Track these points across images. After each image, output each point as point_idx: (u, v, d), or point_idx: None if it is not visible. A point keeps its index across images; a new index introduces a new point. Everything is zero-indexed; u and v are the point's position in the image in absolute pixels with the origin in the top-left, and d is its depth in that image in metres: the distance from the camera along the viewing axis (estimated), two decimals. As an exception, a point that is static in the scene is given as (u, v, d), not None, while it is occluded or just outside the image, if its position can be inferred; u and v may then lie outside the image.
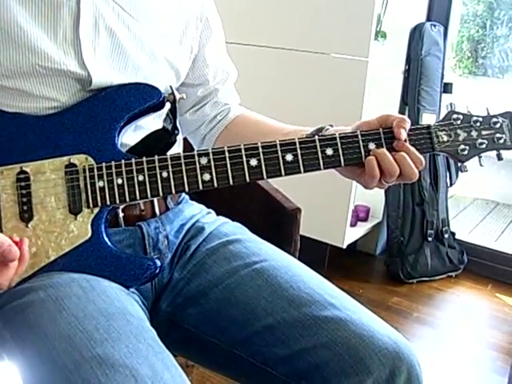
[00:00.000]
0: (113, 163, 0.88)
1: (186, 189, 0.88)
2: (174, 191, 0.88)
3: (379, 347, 0.87)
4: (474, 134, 0.93)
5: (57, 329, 0.77)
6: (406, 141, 0.90)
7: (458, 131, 0.93)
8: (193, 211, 1.11)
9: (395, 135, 0.90)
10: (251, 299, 0.95)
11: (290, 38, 2.43)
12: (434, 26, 2.61)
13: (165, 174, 0.88)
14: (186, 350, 1.04)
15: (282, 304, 0.93)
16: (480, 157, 0.94)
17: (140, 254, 0.98)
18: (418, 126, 0.92)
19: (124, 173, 0.87)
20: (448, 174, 2.68)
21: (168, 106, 0.94)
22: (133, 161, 0.88)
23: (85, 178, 0.87)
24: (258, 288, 0.96)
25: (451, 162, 2.59)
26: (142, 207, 0.99)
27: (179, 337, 1.00)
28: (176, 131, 0.95)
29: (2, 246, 0.77)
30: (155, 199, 1.01)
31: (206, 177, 0.88)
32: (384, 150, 0.89)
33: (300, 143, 0.90)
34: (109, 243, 0.88)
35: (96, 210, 0.88)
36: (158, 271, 0.89)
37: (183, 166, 0.88)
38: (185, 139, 1.19)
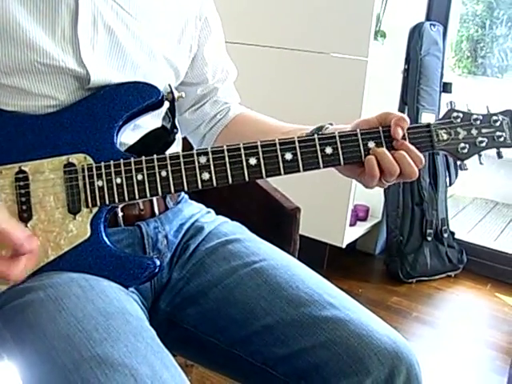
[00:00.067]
0: (111, 162, 0.87)
1: (185, 188, 0.88)
2: (173, 190, 0.88)
3: (378, 347, 0.87)
4: (474, 132, 0.93)
5: (56, 329, 0.77)
6: (405, 139, 0.90)
7: (458, 129, 0.92)
8: (192, 211, 1.11)
9: (391, 133, 0.90)
10: (250, 299, 0.95)
11: (290, 38, 2.43)
12: (434, 25, 2.61)
13: (164, 174, 0.88)
14: (186, 350, 1.04)
15: (281, 304, 0.93)
16: (480, 155, 0.94)
17: (139, 254, 0.97)
18: (418, 125, 0.92)
19: (123, 172, 0.87)
20: (447, 174, 2.68)
21: (167, 104, 0.94)
22: (132, 160, 0.88)
23: (84, 177, 0.87)
24: (257, 288, 0.96)
25: (450, 161, 2.60)
26: (141, 207, 0.98)
27: (178, 336, 1.00)
28: (175, 130, 0.95)
29: (18, 239, 0.77)
30: (154, 199, 1.01)
31: (205, 176, 0.88)
32: (384, 149, 0.89)
33: (299, 142, 0.89)
34: (108, 243, 0.88)
35: (95, 210, 0.88)
36: (157, 270, 0.89)
37: (182, 165, 0.88)
38: (184, 139, 1.18)
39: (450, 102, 0.93)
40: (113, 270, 0.88)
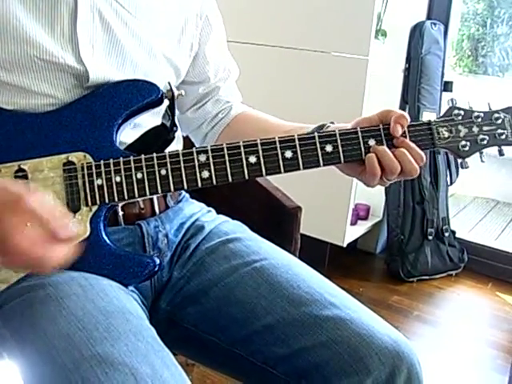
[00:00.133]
0: (111, 161, 0.87)
1: (185, 186, 0.88)
2: (172, 189, 0.88)
3: (379, 346, 0.86)
4: (476, 129, 0.92)
5: (56, 328, 0.77)
6: (405, 137, 0.90)
7: (459, 127, 0.92)
8: (193, 210, 1.11)
9: (391, 131, 0.89)
10: (251, 298, 0.95)
11: (291, 37, 2.43)
12: (435, 24, 2.61)
13: (163, 172, 0.87)
14: (186, 349, 1.04)
15: (281, 303, 0.93)
16: (481, 153, 0.93)
17: (139, 253, 0.97)
18: (419, 122, 0.91)
19: (122, 170, 0.87)
20: (448, 173, 2.68)
21: (166, 102, 0.94)
22: (131, 158, 0.87)
23: (83, 175, 0.87)
24: (257, 287, 0.96)
25: (451, 160, 2.60)
26: (142, 206, 0.98)
27: (179, 335, 1.00)
28: (174, 128, 0.94)
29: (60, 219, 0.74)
30: (155, 197, 1.01)
31: (205, 174, 0.88)
32: (384, 147, 0.89)
33: (299, 140, 0.89)
34: (107, 241, 0.88)
35: (94, 208, 0.87)
36: (156, 269, 0.89)
37: (182, 163, 0.87)
38: (186, 138, 1.18)
39: (452, 100, 0.93)
40: (112, 269, 0.87)
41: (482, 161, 0.93)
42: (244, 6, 2.50)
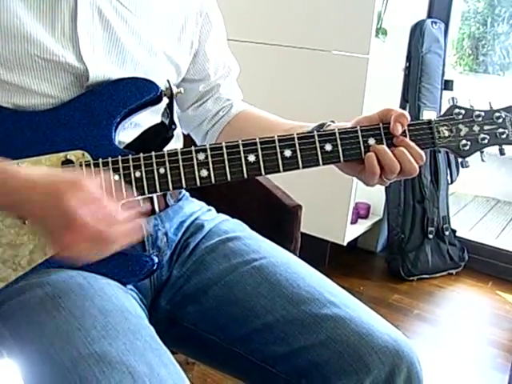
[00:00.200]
0: (109, 159, 0.87)
1: (184, 185, 0.87)
2: (171, 187, 0.87)
3: (379, 345, 0.86)
4: (476, 128, 0.92)
5: (55, 326, 0.77)
6: (405, 136, 0.89)
7: (460, 126, 0.92)
8: (193, 208, 1.11)
9: (391, 130, 0.89)
10: (250, 297, 0.95)
11: (291, 35, 2.43)
12: (435, 23, 2.61)
13: (162, 171, 0.87)
14: (186, 348, 1.04)
15: (281, 302, 0.93)
16: (482, 152, 0.93)
17: (138, 251, 0.97)
18: (419, 121, 0.91)
19: (121, 169, 0.87)
20: (449, 172, 2.68)
21: (166, 100, 0.94)
22: (130, 157, 0.87)
23: (82, 174, 0.87)
24: (257, 285, 0.96)
25: (452, 159, 2.59)
26: (141, 204, 0.98)
27: (178, 334, 1.00)
28: (173, 126, 0.94)
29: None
30: (155, 196, 1.00)
31: (204, 173, 0.87)
32: (384, 146, 0.89)
33: (299, 139, 0.89)
34: (106, 240, 0.87)
35: (94, 207, 0.87)
36: (155, 267, 0.89)
37: (180, 162, 0.87)
38: (187, 136, 1.18)
39: (452, 98, 0.93)
40: (111, 267, 0.87)
41: (482, 160, 0.93)
42: (245, 4, 2.50)
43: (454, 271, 2.73)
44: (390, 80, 2.64)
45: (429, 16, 2.67)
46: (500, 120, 0.92)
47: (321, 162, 0.89)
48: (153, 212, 1.01)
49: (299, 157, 0.89)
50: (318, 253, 2.55)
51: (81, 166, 0.87)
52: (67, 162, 0.87)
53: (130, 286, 0.91)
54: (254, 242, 1.04)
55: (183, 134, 1.15)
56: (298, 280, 0.95)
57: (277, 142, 0.88)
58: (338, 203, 2.46)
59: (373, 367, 0.85)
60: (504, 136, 0.92)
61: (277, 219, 1.26)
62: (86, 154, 0.87)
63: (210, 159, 0.87)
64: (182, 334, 1.00)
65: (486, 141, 0.92)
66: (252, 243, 1.04)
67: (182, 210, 1.07)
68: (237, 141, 0.88)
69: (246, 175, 0.88)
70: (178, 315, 1.00)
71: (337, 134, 0.89)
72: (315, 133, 0.89)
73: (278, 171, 0.89)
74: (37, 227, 0.80)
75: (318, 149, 0.89)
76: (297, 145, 0.89)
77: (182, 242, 1.05)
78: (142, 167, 0.87)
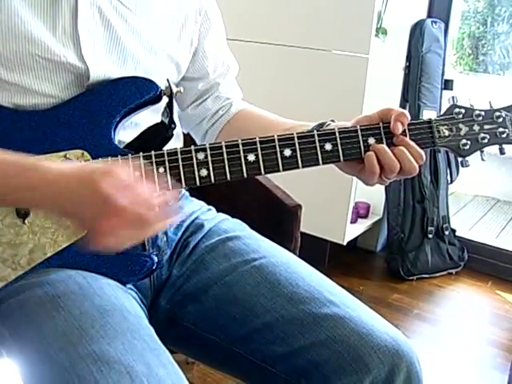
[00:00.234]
0: (109, 159, 0.87)
1: (183, 184, 0.87)
2: (170, 187, 0.87)
3: (378, 345, 0.86)
4: (476, 128, 0.92)
5: (53, 326, 0.77)
6: (405, 135, 0.89)
7: (460, 125, 0.92)
8: (193, 208, 1.11)
9: (391, 129, 0.89)
10: (250, 296, 0.95)
11: (291, 35, 2.42)
12: (435, 22, 2.61)
13: (161, 170, 0.87)
14: (186, 347, 1.04)
15: (281, 301, 0.93)
16: (482, 151, 0.93)
17: (138, 251, 0.97)
18: (419, 121, 0.91)
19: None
20: (448, 171, 2.68)
21: (165, 99, 0.94)
22: (129, 156, 0.87)
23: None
24: (257, 285, 0.96)
25: (452, 159, 2.59)
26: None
27: (178, 334, 1.00)
28: (173, 125, 0.94)
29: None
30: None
31: (203, 172, 0.87)
32: (383, 145, 0.88)
33: (298, 138, 0.89)
34: (106, 239, 0.87)
35: (93, 206, 0.87)
36: (155, 267, 0.89)
37: (180, 161, 0.87)
38: (186, 135, 1.18)
39: (452, 98, 0.93)
40: (110, 267, 0.87)
41: (482, 159, 0.93)
42: (245, 4, 2.50)
43: (453, 271, 2.73)
44: (390, 80, 2.64)
45: (429, 15, 2.67)
46: (500, 119, 0.92)
47: (321, 162, 0.89)
48: None
49: (299, 156, 0.88)
50: (317, 252, 2.55)
51: None
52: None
53: (129, 286, 0.91)
54: (254, 242, 1.04)
55: (183, 133, 1.15)
56: (298, 279, 0.95)
57: (276, 141, 0.88)
58: (337, 203, 2.46)
59: (372, 367, 0.85)
60: (504, 135, 0.92)
61: (277, 219, 1.26)
62: (86, 153, 0.87)
63: (209, 158, 0.87)
64: (182, 333, 0.99)
65: (486, 140, 0.92)
66: (252, 243, 1.04)
67: (181, 210, 1.07)
68: (236, 140, 0.88)
69: (245, 175, 0.88)
70: (178, 315, 1.00)
71: (337, 134, 0.89)
72: (315, 132, 0.89)
73: (278, 171, 0.89)
74: (74, 219, 0.79)
75: (318, 148, 0.89)
76: (297, 144, 0.88)
77: (182, 241, 1.05)
78: (142, 166, 0.87)
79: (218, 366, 1.06)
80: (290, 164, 0.88)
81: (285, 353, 0.90)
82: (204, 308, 0.98)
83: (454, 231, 2.74)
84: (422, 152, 0.89)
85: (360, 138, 0.89)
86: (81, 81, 0.90)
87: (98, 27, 0.90)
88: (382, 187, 2.71)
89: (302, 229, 1.24)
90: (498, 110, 0.92)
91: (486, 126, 0.92)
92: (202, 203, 1.15)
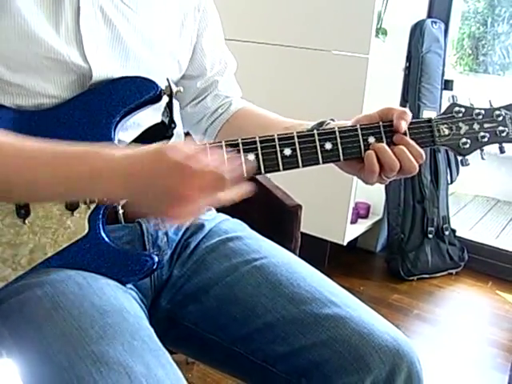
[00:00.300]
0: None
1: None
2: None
3: (379, 345, 0.86)
4: (476, 126, 0.92)
5: (53, 326, 0.77)
6: (406, 134, 0.89)
7: (460, 124, 0.92)
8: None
9: (394, 127, 0.89)
10: (251, 296, 0.95)
11: (291, 35, 2.43)
12: (435, 22, 2.61)
13: None
14: (186, 348, 1.04)
15: (281, 301, 0.93)
16: (482, 150, 0.93)
17: (138, 250, 0.97)
18: (419, 120, 0.91)
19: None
20: (449, 171, 2.68)
21: (166, 99, 0.94)
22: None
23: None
24: (257, 285, 0.96)
25: (452, 159, 2.59)
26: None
27: (179, 334, 1.00)
28: (173, 125, 0.94)
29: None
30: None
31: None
32: (384, 144, 0.89)
33: (298, 137, 0.89)
34: (106, 239, 0.87)
35: (93, 206, 0.87)
36: (155, 267, 0.88)
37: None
38: (186, 134, 1.18)
39: (452, 97, 0.93)
40: (111, 267, 0.87)
41: (482, 158, 0.93)
42: (244, 4, 2.50)
43: (453, 271, 2.73)
44: (390, 80, 2.64)
45: (429, 16, 2.67)
46: (500, 118, 0.92)
47: (321, 161, 0.89)
48: None
49: (299, 155, 0.88)
50: (317, 252, 2.55)
51: None
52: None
53: (129, 286, 0.91)
54: (255, 242, 1.04)
55: (183, 132, 1.15)
56: (299, 280, 0.95)
57: (276, 140, 0.88)
58: (337, 203, 2.46)
59: (373, 366, 0.85)
60: (504, 134, 0.92)
61: (277, 219, 1.26)
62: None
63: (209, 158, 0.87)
64: (183, 333, 0.99)
65: (486, 139, 0.92)
66: (252, 243, 1.04)
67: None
68: (236, 139, 0.88)
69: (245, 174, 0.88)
70: (179, 315, 0.99)
71: (337, 133, 0.89)
72: (315, 131, 0.89)
73: (278, 170, 0.89)
74: (146, 198, 0.76)
75: (318, 147, 0.89)
76: (297, 143, 0.88)
77: (183, 241, 1.05)
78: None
79: (219, 366, 1.05)
80: (290, 163, 0.88)
81: (285, 353, 0.90)
82: (205, 308, 0.97)
83: (454, 231, 2.74)
84: (421, 151, 0.89)
85: (360, 137, 0.89)
86: (83, 81, 0.90)
87: (100, 26, 0.90)
88: (382, 187, 2.71)
89: (302, 229, 1.24)
90: (498, 109, 0.92)
91: (486, 125, 0.92)
92: (202, 203, 1.15)
